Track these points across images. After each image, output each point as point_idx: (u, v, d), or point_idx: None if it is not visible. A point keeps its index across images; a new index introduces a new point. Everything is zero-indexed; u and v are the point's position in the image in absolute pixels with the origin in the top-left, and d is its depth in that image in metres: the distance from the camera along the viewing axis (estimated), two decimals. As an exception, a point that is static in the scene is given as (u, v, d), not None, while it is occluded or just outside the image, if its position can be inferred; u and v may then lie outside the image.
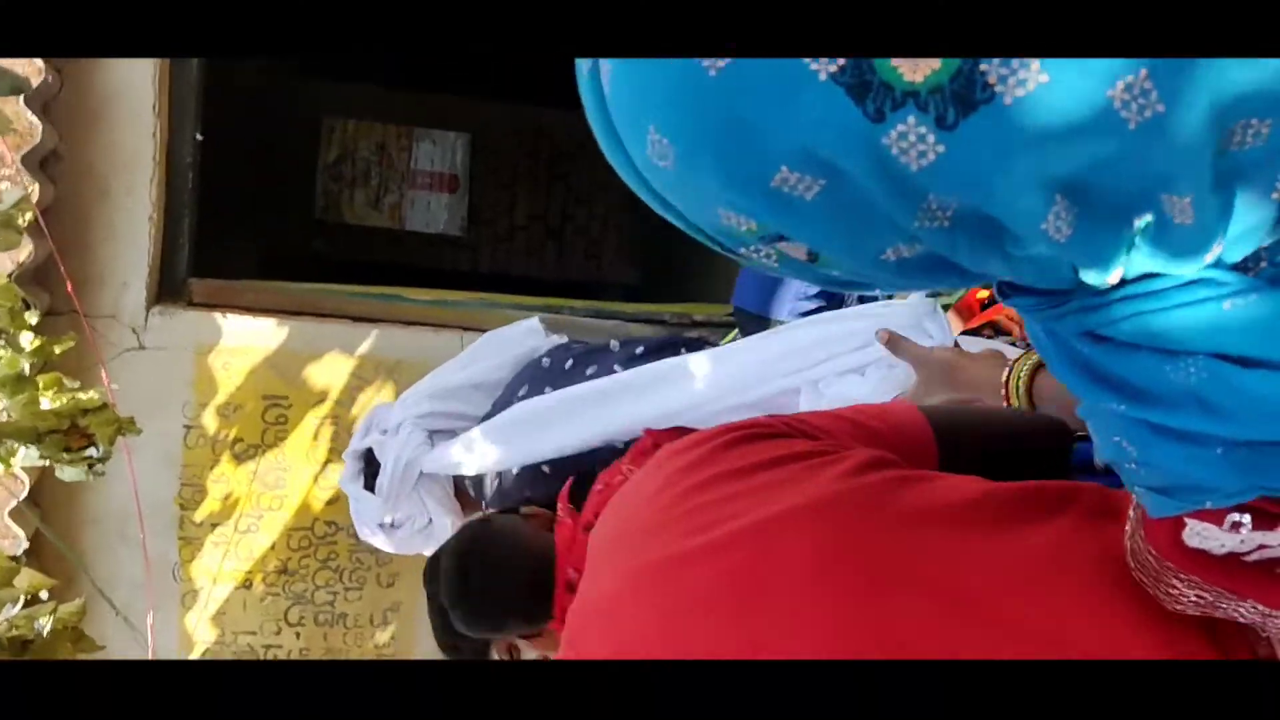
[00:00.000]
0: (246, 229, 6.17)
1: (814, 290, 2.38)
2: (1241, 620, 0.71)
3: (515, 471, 2.11)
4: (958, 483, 0.96)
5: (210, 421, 3.27)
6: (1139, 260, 0.50)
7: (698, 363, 1.97)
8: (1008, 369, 1.14)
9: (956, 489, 0.95)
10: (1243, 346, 0.50)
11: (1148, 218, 0.48)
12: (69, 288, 2.65)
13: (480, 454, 2.16)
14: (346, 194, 7.10)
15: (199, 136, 3.49)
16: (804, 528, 0.94)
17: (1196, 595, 0.69)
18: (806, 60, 0.45)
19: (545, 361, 2.28)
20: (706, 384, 1.92)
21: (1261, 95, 0.47)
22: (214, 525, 3.28)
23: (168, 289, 3.35)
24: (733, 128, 0.47)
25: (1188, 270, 0.50)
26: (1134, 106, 0.45)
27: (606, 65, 0.51)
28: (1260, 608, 0.66)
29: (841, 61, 0.45)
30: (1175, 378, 0.51)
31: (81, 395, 2.03)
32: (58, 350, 2.22)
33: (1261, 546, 0.60)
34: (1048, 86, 0.45)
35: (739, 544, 0.96)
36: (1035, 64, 0.45)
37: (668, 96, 0.48)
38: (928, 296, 1.81)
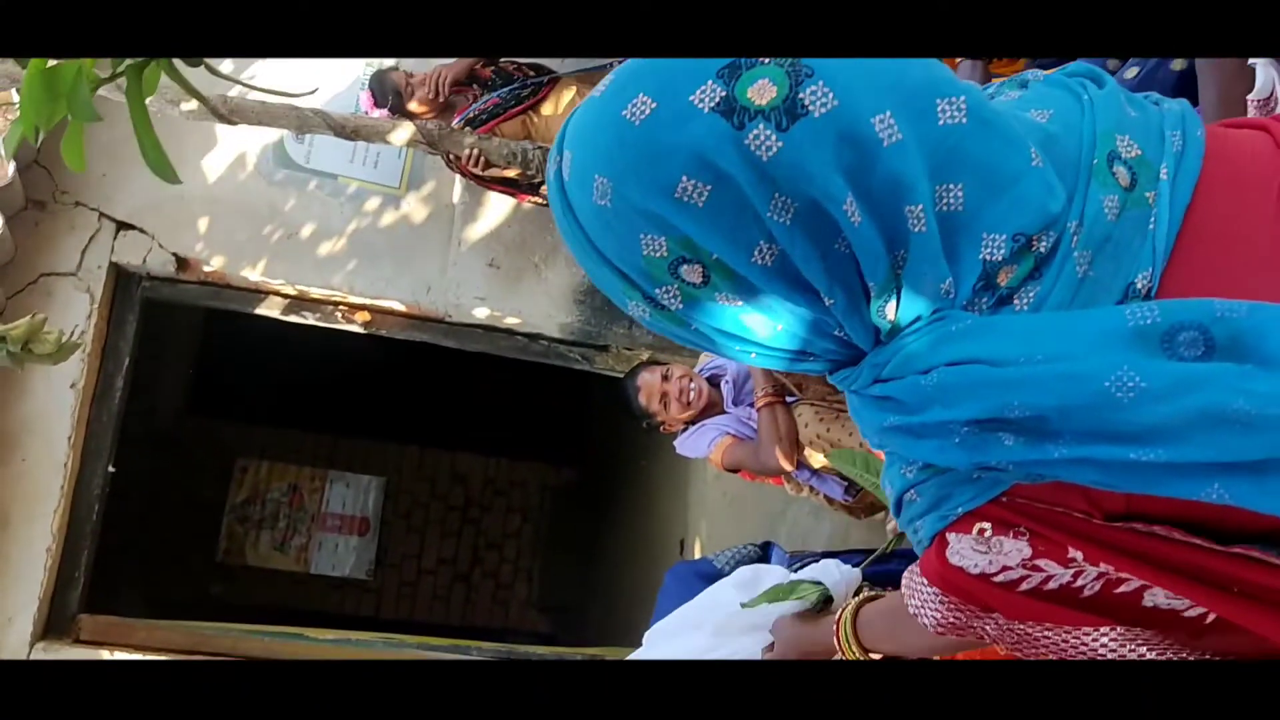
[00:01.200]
0: (145, 567, 5.98)
1: None
2: (985, 638, 0.86)
3: None
4: None
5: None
6: (902, 301, 0.71)
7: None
8: (835, 621, 1.28)
9: None
10: (962, 353, 0.70)
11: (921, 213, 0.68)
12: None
13: None
14: (251, 536, 6.98)
15: (111, 469, 3.49)
16: None
17: (954, 616, 0.86)
18: (692, 98, 0.66)
19: None
20: None
21: (950, 158, 0.67)
22: None
23: (55, 624, 3.21)
24: (647, 152, 0.66)
25: (927, 309, 0.71)
26: (884, 128, 0.66)
27: (567, 153, 0.71)
28: (1001, 621, 0.82)
29: (717, 97, 0.66)
30: (924, 384, 0.71)
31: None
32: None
33: (1004, 568, 0.77)
34: (837, 109, 0.65)
35: None
36: (831, 93, 0.65)
37: (607, 147, 0.68)
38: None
